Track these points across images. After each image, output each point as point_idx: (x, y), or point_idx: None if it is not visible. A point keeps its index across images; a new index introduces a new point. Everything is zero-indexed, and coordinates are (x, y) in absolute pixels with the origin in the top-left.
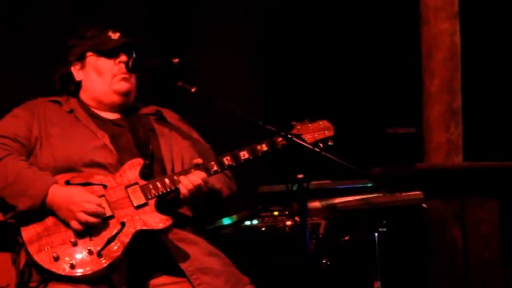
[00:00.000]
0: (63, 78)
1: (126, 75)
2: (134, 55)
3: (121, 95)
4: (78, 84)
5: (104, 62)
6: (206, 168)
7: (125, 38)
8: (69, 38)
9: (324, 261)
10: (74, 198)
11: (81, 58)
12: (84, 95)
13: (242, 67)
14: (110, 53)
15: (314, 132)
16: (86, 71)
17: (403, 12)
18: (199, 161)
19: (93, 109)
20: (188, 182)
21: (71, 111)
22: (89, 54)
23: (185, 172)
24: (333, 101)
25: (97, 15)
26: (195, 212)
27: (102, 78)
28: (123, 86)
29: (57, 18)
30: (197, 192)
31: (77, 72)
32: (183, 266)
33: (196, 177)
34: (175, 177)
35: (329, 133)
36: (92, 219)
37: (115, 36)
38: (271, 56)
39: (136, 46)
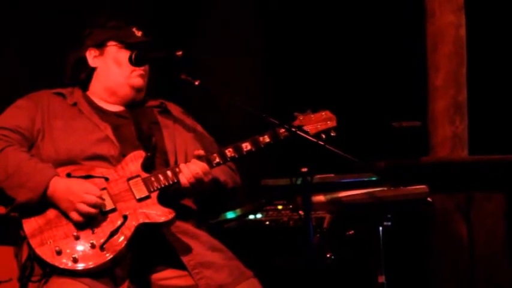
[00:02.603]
0: (76, 64)
1: (143, 72)
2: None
3: (135, 90)
4: (91, 72)
5: (125, 55)
6: (208, 160)
7: (146, 37)
8: (85, 26)
9: (328, 255)
10: (74, 189)
11: (101, 45)
12: (95, 84)
13: (246, 59)
14: (132, 47)
15: (316, 123)
16: (104, 59)
17: (408, 4)
18: (201, 152)
19: (98, 102)
20: (188, 171)
21: (75, 104)
22: (110, 43)
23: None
24: (337, 94)
25: (103, 6)
26: (199, 204)
27: (121, 69)
28: (139, 81)
29: (62, 11)
30: (198, 182)
31: (92, 58)
32: (184, 260)
33: (196, 167)
34: (177, 170)
35: (331, 124)
36: (92, 210)
37: (138, 33)
38: (276, 48)
39: (152, 45)
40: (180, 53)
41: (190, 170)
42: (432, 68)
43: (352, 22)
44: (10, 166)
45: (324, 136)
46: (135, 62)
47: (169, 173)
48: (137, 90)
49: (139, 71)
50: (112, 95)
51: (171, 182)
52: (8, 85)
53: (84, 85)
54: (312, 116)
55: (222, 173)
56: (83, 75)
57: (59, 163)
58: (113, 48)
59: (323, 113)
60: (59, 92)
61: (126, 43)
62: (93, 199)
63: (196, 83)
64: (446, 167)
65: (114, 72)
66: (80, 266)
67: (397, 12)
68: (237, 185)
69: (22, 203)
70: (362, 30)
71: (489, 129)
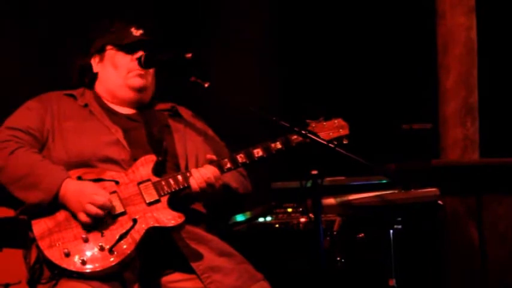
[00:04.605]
0: (81, 69)
1: (142, 72)
2: (147, 51)
3: (135, 91)
4: (95, 76)
5: (121, 57)
6: (219, 166)
7: (146, 36)
8: (91, 30)
9: (338, 258)
10: (84, 190)
11: (101, 51)
12: (99, 88)
13: (257, 64)
14: (128, 48)
15: (329, 131)
16: (104, 64)
17: (419, 6)
18: (213, 157)
19: (108, 103)
20: (199, 176)
21: (86, 105)
22: (108, 47)
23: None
24: (348, 96)
25: (110, 8)
26: (211, 210)
27: (118, 72)
28: (138, 82)
29: (70, 12)
30: (208, 187)
31: (96, 64)
32: (193, 264)
33: (207, 171)
34: (188, 174)
35: (344, 132)
36: (100, 212)
37: (137, 33)
38: (286, 53)
39: (155, 44)
40: (189, 55)
41: (201, 175)
42: (443, 70)
43: (363, 24)
44: (22, 168)
45: (336, 143)
46: (144, 64)
47: (179, 177)
48: (137, 90)
49: (137, 70)
50: (114, 97)
51: (181, 187)
52: (18, 86)
53: (90, 87)
54: (325, 123)
55: (233, 180)
56: (87, 80)
57: (70, 165)
58: (110, 52)
59: (335, 121)
60: (70, 93)
61: (121, 45)
62: (102, 201)
63: (206, 85)
64: (457, 169)
65: (112, 75)
66: (88, 268)
67: (408, 14)
68: (247, 191)
69: (33, 205)
70: (373, 32)
71: (500, 132)
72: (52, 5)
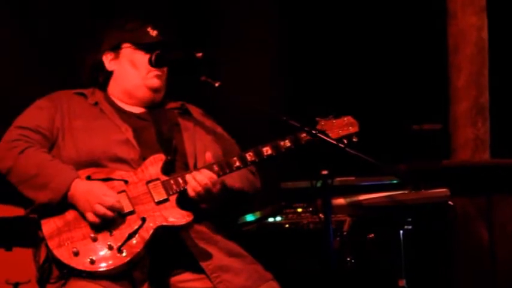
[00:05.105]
0: (93, 67)
1: (160, 73)
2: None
3: (152, 91)
4: (108, 75)
5: (140, 56)
6: (228, 164)
7: (162, 36)
8: (103, 28)
9: (348, 259)
10: (93, 190)
11: (116, 48)
12: (113, 87)
13: (266, 63)
14: (147, 48)
15: (338, 129)
16: (120, 62)
17: (429, 6)
18: (210, 160)
19: (119, 103)
20: (195, 183)
21: (96, 103)
22: (125, 45)
23: (198, 170)
24: (358, 96)
25: (121, 7)
26: (217, 211)
27: (137, 71)
28: (156, 82)
29: (78, 12)
30: (205, 193)
31: (108, 62)
32: (203, 264)
33: (203, 177)
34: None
35: (353, 129)
36: (109, 213)
37: (153, 33)
38: (296, 52)
39: (171, 45)
40: (200, 54)
41: (197, 181)
42: (454, 70)
43: (372, 23)
44: (31, 167)
45: (345, 141)
46: (155, 63)
47: (188, 176)
48: (155, 91)
49: (156, 71)
50: (130, 97)
51: (186, 187)
52: (28, 85)
53: (103, 87)
54: (334, 121)
55: (238, 179)
56: (101, 79)
57: (80, 163)
58: (127, 50)
59: (345, 119)
60: (80, 92)
61: (141, 44)
62: (111, 201)
63: (217, 84)
64: (467, 170)
65: (130, 74)
66: (97, 267)
67: (419, 14)
68: (255, 189)
69: (42, 204)
70: (383, 31)
71: (511, 132)
72: (59, 4)
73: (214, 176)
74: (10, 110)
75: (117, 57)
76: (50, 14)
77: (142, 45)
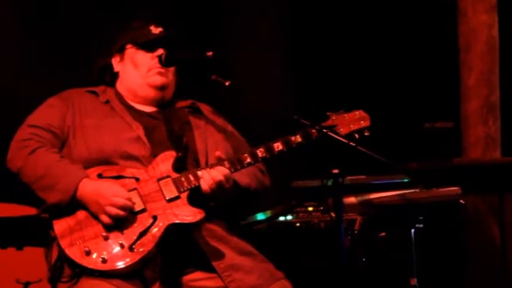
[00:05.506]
0: (101, 68)
1: (162, 70)
2: (167, 48)
3: (155, 89)
4: (115, 75)
5: (141, 55)
6: (239, 160)
7: (166, 33)
8: (112, 30)
9: (359, 257)
10: (102, 192)
11: (121, 50)
12: (120, 87)
13: (276, 57)
14: (147, 46)
15: (350, 123)
16: (124, 63)
17: (440, 4)
18: (221, 155)
19: (129, 101)
20: (209, 177)
21: (107, 101)
22: (128, 46)
23: (211, 166)
24: (369, 94)
25: (129, 6)
26: (224, 207)
27: (138, 70)
28: (158, 80)
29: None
30: (219, 188)
31: (116, 63)
32: (214, 263)
33: (218, 173)
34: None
35: (365, 123)
36: (121, 213)
37: (156, 30)
38: (306, 50)
39: (174, 42)
40: (210, 53)
41: (211, 177)
42: (464, 68)
43: (383, 21)
44: (40, 168)
45: (357, 136)
46: (164, 62)
47: (199, 173)
48: (158, 88)
49: (157, 68)
50: (135, 96)
51: (198, 184)
52: (41, 84)
53: (112, 85)
54: (345, 115)
55: (246, 176)
56: (108, 79)
57: (91, 161)
58: (130, 51)
59: (356, 113)
60: (92, 90)
61: (141, 43)
62: (122, 201)
63: (227, 83)
64: (479, 168)
65: (132, 74)
66: (109, 266)
67: (429, 12)
68: (263, 187)
69: (53, 205)
70: (393, 29)
71: None
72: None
73: (227, 171)
74: (13, 109)
75: (122, 58)
76: (53, 14)
77: (143, 44)
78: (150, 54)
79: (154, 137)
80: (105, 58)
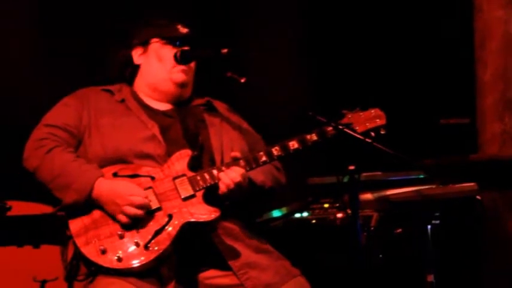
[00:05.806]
0: (122, 61)
1: (186, 68)
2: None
3: (177, 86)
4: (135, 69)
5: (167, 50)
6: (255, 159)
7: (192, 34)
8: (134, 23)
9: (375, 254)
10: (119, 191)
11: (145, 43)
12: (139, 81)
13: (292, 55)
14: (176, 42)
15: (365, 121)
16: (148, 56)
17: (456, 0)
18: (238, 154)
19: (145, 100)
20: (229, 181)
21: (123, 100)
22: (154, 40)
23: (227, 165)
24: (385, 91)
25: (144, 4)
26: (240, 205)
27: (163, 64)
28: (181, 77)
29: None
30: (237, 188)
31: (137, 56)
32: (230, 261)
33: (236, 174)
34: (223, 169)
35: (381, 122)
36: (139, 212)
37: (183, 30)
38: (321, 47)
39: (198, 43)
40: (225, 50)
41: (230, 178)
42: (480, 64)
43: (400, 18)
44: (56, 168)
45: (373, 134)
46: (180, 59)
47: (215, 172)
48: (180, 85)
49: (182, 66)
50: (155, 91)
51: (217, 181)
52: (53, 85)
53: (130, 82)
54: (361, 113)
55: (261, 174)
56: (128, 73)
57: (107, 160)
58: (156, 45)
59: (372, 111)
60: (107, 89)
61: (169, 38)
62: (140, 200)
63: (242, 80)
64: (495, 164)
65: (156, 67)
66: (124, 265)
67: (445, 8)
68: (279, 184)
69: (69, 205)
70: (409, 25)
71: None
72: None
73: (243, 171)
74: (28, 108)
75: (145, 51)
76: (65, 13)
77: (171, 38)
78: (175, 50)
79: (170, 136)
80: (125, 49)
